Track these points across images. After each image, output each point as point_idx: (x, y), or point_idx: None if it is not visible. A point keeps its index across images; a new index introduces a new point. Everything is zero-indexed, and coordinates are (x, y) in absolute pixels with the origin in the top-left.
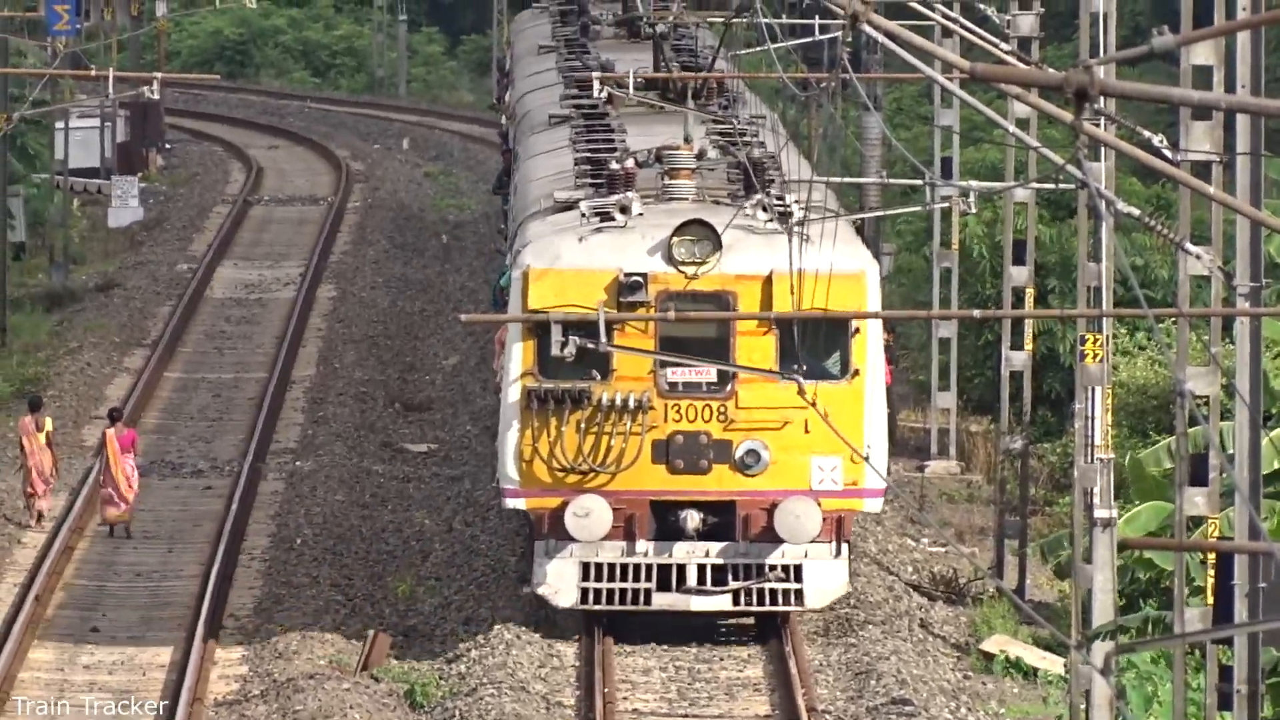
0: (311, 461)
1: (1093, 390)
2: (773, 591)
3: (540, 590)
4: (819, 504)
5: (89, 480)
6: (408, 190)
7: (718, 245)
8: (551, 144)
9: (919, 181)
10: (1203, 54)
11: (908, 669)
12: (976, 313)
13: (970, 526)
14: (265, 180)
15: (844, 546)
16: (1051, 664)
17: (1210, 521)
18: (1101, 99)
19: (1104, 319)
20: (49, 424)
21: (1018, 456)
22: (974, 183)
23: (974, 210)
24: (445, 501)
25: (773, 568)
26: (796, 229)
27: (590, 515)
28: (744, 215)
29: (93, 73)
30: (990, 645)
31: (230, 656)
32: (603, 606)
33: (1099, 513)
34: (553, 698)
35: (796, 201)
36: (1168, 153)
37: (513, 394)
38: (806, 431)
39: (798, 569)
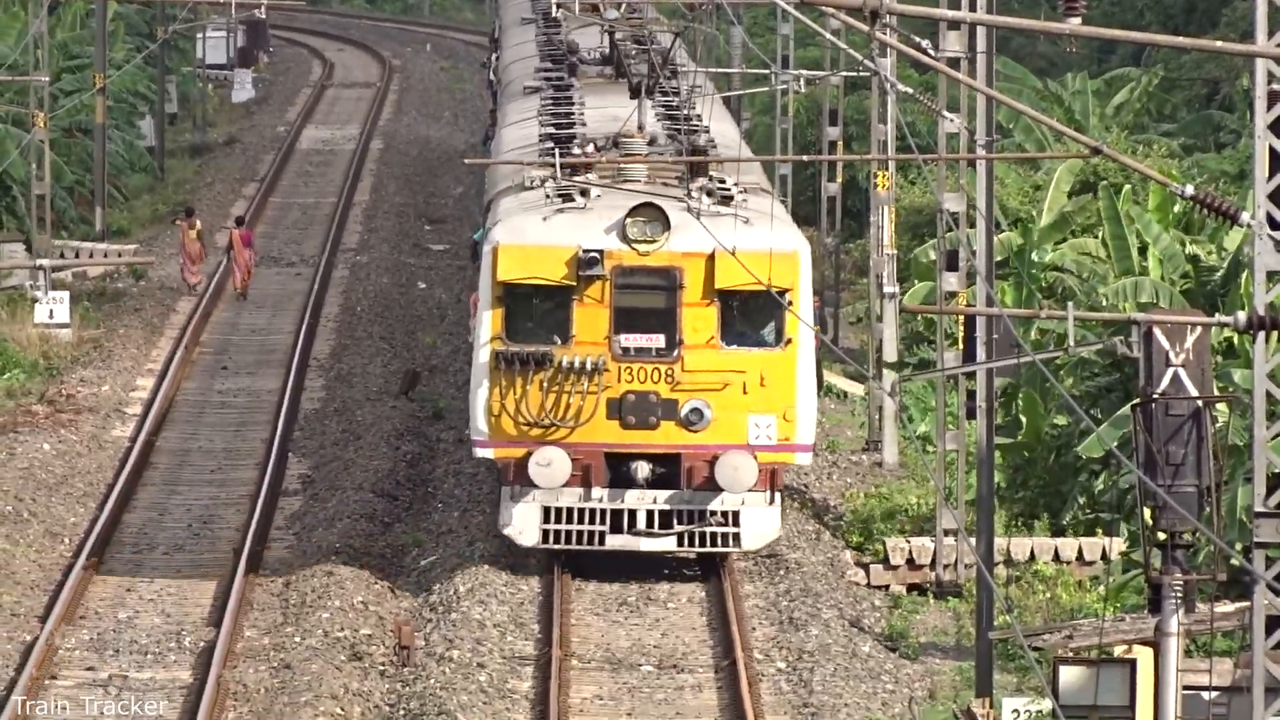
0: (366, 256)
1: (882, 208)
2: (713, 535)
3: (507, 531)
4: (755, 457)
5: (221, 265)
6: (430, 77)
7: (667, 225)
8: (524, 113)
9: (768, 71)
10: None
11: None
12: (805, 157)
13: None
14: (335, 72)
15: (777, 495)
16: (857, 389)
17: (960, 294)
18: (888, 16)
19: (890, 161)
20: (198, 225)
21: (833, 251)
22: (804, 71)
23: (803, 90)
24: (455, 282)
25: (713, 513)
26: (737, 212)
27: (551, 465)
28: (691, 198)
29: (222, 1)
30: None
31: (314, 385)
32: (561, 546)
33: (887, 289)
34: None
35: (736, 184)
36: (932, 51)
37: (483, 355)
38: (744, 392)
39: (735, 515)
